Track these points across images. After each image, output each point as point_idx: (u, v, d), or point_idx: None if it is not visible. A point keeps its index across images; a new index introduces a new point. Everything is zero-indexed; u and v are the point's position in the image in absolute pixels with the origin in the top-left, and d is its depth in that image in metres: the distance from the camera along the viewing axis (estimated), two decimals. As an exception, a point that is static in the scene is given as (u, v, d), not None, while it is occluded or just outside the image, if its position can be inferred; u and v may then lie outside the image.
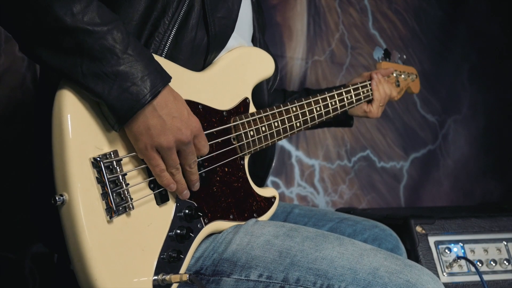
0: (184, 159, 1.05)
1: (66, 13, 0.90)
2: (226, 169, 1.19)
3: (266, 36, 1.59)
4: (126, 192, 0.98)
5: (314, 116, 1.39)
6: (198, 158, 1.10)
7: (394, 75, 1.75)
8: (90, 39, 0.91)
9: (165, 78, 1.00)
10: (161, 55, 1.11)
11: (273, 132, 1.29)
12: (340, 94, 1.48)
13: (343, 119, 1.70)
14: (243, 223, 1.18)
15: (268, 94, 1.46)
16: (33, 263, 1.73)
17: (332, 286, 1.03)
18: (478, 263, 1.74)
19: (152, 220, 1.02)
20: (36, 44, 0.93)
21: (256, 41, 1.44)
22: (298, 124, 1.35)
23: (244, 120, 1.23)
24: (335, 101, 1.46)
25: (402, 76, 1.80)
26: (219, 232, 1.16)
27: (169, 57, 1.12)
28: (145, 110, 0.97)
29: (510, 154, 3.02)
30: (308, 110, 1.37)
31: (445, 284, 1.67)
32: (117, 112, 0.94)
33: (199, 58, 1.18)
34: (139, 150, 1.00)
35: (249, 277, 1.08)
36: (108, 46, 0.93)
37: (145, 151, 1.00)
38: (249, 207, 1.23)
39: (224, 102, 1.21)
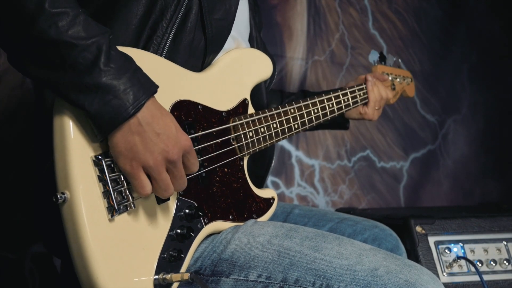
0: (173, 178, 1.00)
1: (51, 26, 0.89)
2: (225, 169, 1.19)
3: (266, 36, 1.59)
4: (127, 191, 0.98)
5: (312, 118, 1.40)
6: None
7: (390, 78, 1.76)
8: (73, 52, 0.90)
9: (149, 90, 0.95)
10: None
11: (272, 133, 1.29)
12: (337, 97, 1.49)
13: (340, 122, 1.71)
14: (242, 223, 1.18)
15: (267, 93, 1.46)
16: (33, 263, 1.72)
17: (331, 286, 1.03)
18: (478, 263, 1.74)
19: (153, 219, 1.03)
20: (21, 56, 0.93)
21: (253, 39, 1.44)
22: (296, 126, 1.36)
23: (243, 121, 1.23)
24: (332, 104, 1.47)
25: (398, 79, 1.81)
26: (218, 233, 1.16)
27: (167, 59, 1.12)
28: (127, 124, 0.93)
29: (510, 154, 3.02)
30: (306, 112, 1.38)
31: (445, 284, 1.67)
32: (98, 125, 0.92)
33: (197, 60, 1.18)
34: (124, 167, 0.95)
35: (248, 277, 1.08)
36: (91, 59, 0.91)
37: (130, 169, 0.95)
38: (248, 207, 1.23)
39: (223, 102, 1.21)
